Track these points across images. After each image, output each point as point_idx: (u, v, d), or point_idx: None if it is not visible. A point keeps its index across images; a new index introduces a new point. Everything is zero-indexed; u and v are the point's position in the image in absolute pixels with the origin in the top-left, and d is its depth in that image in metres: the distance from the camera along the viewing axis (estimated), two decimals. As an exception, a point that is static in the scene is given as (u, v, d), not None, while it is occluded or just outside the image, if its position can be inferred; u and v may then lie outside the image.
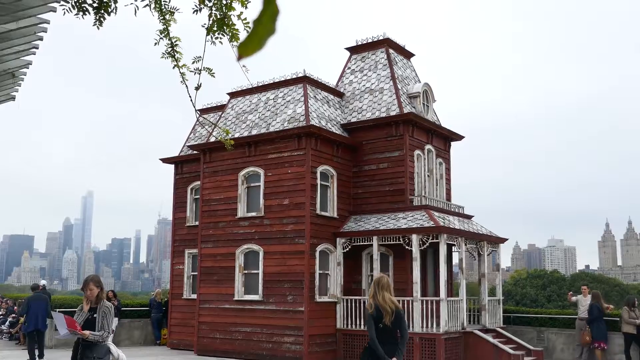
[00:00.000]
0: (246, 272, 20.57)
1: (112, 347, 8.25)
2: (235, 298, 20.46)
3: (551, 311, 22.97)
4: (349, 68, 23.86)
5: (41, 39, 7.68)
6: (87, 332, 7.90)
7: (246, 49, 1.66)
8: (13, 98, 9.59)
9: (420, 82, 23.66)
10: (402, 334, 8.08)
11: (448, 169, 23.46)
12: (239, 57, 1.69)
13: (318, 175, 20.03)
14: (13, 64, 8.08)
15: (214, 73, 5.57)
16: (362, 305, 19.54)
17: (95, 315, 8.13)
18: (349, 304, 19.85)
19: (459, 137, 23.70)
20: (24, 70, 8.44)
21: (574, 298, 19.92)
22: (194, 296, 22.57)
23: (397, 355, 7.94)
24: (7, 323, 24.88)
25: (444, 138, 23.22)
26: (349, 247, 20.22)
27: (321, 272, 19.73)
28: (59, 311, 20.53)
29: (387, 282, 8.20)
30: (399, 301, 7.57)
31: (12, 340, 23.76)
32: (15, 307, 25.60)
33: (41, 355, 18.20)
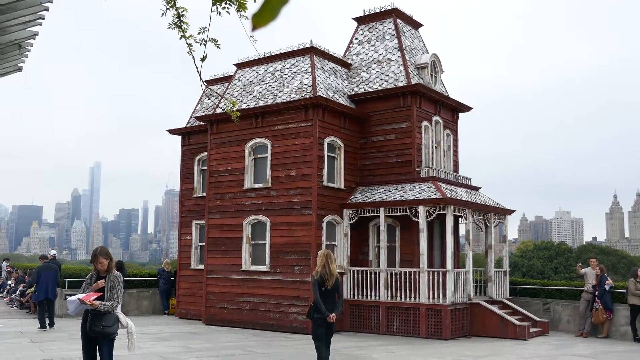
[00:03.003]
0: (253, 242, 20.68)
1: (121, 316, 8.35)
2: (243, 269, 20.61)
3: (558, 283, 23.00)
4: (357, 38, 23.64)
5: (47, 9, 7.62)
6: (97, 303, 8.01)
7: (260, 20, 1.64)
8: (20, 69, 9.56)
9: (428, 52, 23.43)
10: (339, 296, 10.54)
11: (456, 141, 23.37)
12: (253, 28, 1.66)
13: (325, 146, 19.99)
14: (19, 35, 8.04)
15: (219, 44, 5.54)
16: (369, 276, 19.66)
17: (104, 286, 8.23)
18: (356, 275, 19.96)
19: (467, 109, 23.56)
20: (31, 41, 8.40)
21: (582, 270, 19.93)
22: (202, 266, 22.75)
23: (335, 311, 10.34)
24: (18, 292, 25.19)
25: (451, 109, 23.09)
26: (356, 218, 20.26)
27: (328, 243, 19.81)
28: (66, 290, 20.90)
29: (332, 255, 10.66)
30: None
31: (23, 309, 24.08)
32: (26, 277, 25.90)
33: (51, 323, 18.46)
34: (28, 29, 7.91)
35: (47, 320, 18.36)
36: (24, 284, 25.22)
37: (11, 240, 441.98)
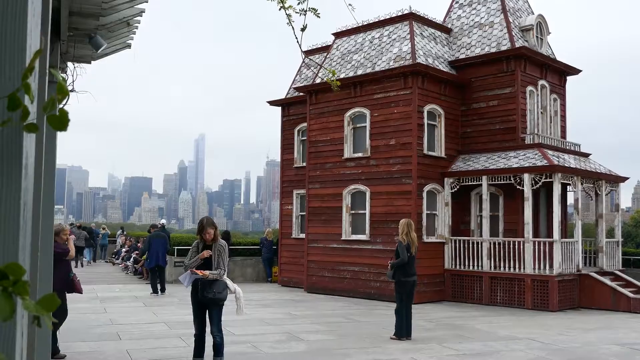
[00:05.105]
0: (353, 212, 20.76)
1: (229, 282, 8.65)
2: (343, 238, 20.77)
3: (675, 254, 21.63)
4: (457, 2, 22.89)
5: (152, -14, 7.82)
6: (207, 272, 8.32)
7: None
8: (129, 46, 9.92)
9: (533, 13, 22.35)
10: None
11: (563, 105, 22.29)
12: None
13: (425, 114, 19.63)
14: (127, 12, 8.31)
15: (319, 13, 5.47)
16: (470, 246, 19.29)
17: (211, 254, 8.52)
18: (458, 245, 19.64)
19: (575, 71, 22.37)
20: (138, 18, 8.67)
21: None
22: (303, 235, 23.12)
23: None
24: (132, 259, 26.67)
25: (558, 73, 21.99)
26: (457, 187, 19.86)
27: (428, 212, 19.57)
28: (175, 257, 21.85)
29: (413, 224, 12.13)
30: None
31: (136, 274, 25.48)
32: (139, 244, 27.35)
33: (163, 289, 19.43)
34: (135, 6, 8.16)
35: (158, 286, 19.34)
36: (136, 252, 26.65)
37: (124, 210, 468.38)
